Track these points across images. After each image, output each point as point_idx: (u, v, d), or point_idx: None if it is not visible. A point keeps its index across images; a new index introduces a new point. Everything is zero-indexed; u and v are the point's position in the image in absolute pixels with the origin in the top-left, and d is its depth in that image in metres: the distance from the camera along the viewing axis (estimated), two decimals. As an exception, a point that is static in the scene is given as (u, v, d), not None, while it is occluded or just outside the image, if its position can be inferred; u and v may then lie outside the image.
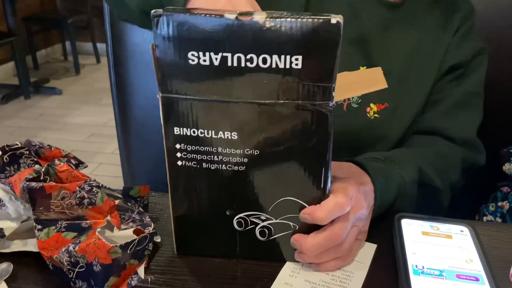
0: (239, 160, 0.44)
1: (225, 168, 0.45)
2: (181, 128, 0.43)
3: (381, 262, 0.50)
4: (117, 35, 0.90)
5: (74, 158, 0.54)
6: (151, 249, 0.48)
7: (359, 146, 0.69)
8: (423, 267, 0.46)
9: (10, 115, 2.99)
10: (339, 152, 0.66)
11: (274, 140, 0.43)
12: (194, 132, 0.43)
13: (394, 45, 0.70)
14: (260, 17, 0.38)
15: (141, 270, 0.46)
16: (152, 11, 0.39)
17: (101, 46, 3.95)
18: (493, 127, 0.91)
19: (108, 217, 0.49)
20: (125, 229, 0.49)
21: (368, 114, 0.69)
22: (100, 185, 0.49)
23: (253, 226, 0.47)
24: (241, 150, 0.43)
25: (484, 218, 0.86)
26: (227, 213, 0.47)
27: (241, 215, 0.47)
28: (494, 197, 0.86)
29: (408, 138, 0.71)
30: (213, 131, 0.43)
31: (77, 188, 0.47)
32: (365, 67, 0.69)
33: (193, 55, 0.40)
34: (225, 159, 0.44)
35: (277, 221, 0.47)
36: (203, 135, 0.43)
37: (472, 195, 0.90)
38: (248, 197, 0.46)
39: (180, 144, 0.44)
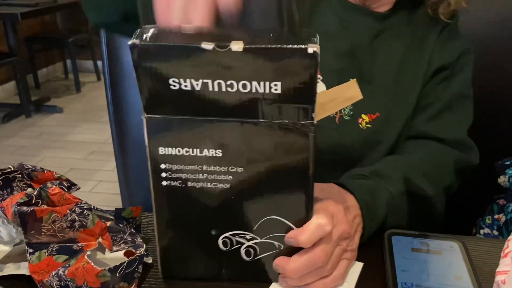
0: (224, 177, 0.45)
1: (210, 186, 0.45)
2: (166, 148, 0.44)
3: (370, 279, 0.50)
4: (113, 53, 0.92)
5: (67, 180, 0.55)
6: (141, 271, 0.48)
7: (354, 157, 0.70)
8: (412, 284, 0.47)
9: (11, 134, 3.01)
10: (334, 164, 0.67)
11: (257, 158, 0.44)
12: (179, 151, 0.44)
13: (383, 55, 0.71)
14: (237, 46, 0.39)
15: None
16: (129, 42, 0.39)
17: (101, 64, 3.98)
18: (488, 139, 0.92)
19: (100, 239, 0.49)
20: (117, 250, 0.50)
21: (360, 125, 0.70)
22: (92, 207, 0.50)
23: (238, 246, 0.48)
24: (226, 168, 0.44)
25: (481, 231, 0.86)
26: (213, 232, 0.47)
27: (226, 234, 0.47)
28: (491, 210, 0.86)
29: (401, 144, 0.72)
30: (197, 149, 0.44)
31: (68, 211, 0.48)
32: (355, 79, 0.70)
33: (174, 81, 0.41)
34: (210, 177, 0.45)
35: (262, 240, 0.47)
36: (188, 153, 0.44)
37: (469, 208, 0.90)
38: (233, 215, 0.46)
39: (165, 164, 0.45)
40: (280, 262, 0.47)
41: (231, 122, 0.42)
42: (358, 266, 0.52)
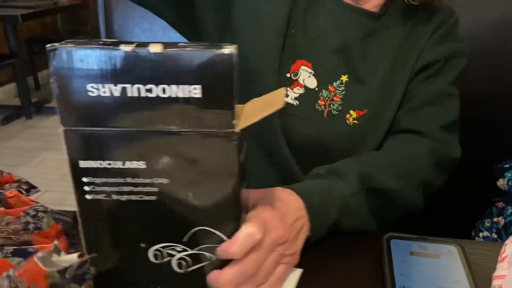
0: (149, 189, 0.44)
1: (135, 198, 0.45)
2: (87, 161, 0.43)
3: (369, 283, 0.50)
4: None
5: (26, 183, 0.55)
6: (93, 273, 0.47)
7: (340, 151, 0.70)
8: (410, 288, 0.47)
9: (12, 135, 3.01)
10: (320, 158, 0.68)
11: (182, 168, 0.43)
12: (100, 164, 0.43)
13: (375, 53, 0.72)
14: (155, 48, 0.39)
15: None
16: (48, 45, 0.39)
17: (101, 66, 3.98)
18: (487, 142, 0.92)
19: (56, 242, 0.49)
20: (73, 253, 0.50)
21: (347, 121, 0.71)
22: (48, 209, 0.49)
23: (169, 258, 0.47)
24: (150, 180, 0.44)
25: (480, 234, 0.86)
26: (142, 245, 0.47)
27: (156, 247, 0.47)
28: (490, 213, 0.87)
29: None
30: (120, 162, 0.43)
31: (22, 213, 0.48)
32: (346, 76, 0.71)
33: (92, 87, 0.40)
34: (135, 189, 0.44)
35: (194, 252, 0.47)
36: (110, 166, 0.43)
37: (468, 211, 0.90)
38: (162, 227, 0.46)
39: (87, 177, 0.44)
40: (214, 276, 0.46)
41: (152, 132, 0.42)
42: (297, 273, 0.51)
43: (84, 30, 3.79)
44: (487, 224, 0.85)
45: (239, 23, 0.72)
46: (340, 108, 0.71)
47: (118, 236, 0.47)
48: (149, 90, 0.40)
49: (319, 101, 0.71)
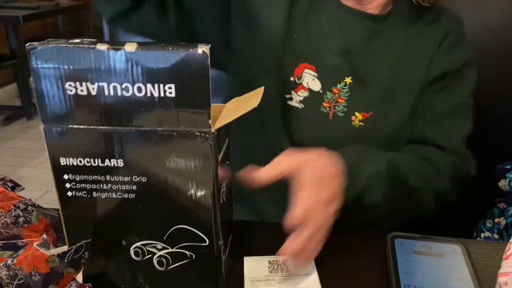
0: (128, 187, 0.45)
1: (115, 196, 0.45)
2: (67, 158, 0.44)
3: (373, 282, 0.51)
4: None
5: (11, 181, 0.55)
6: (87, 257, 0.48)
7: None
8: (415, 286, 0.47)
9: (12, 136, 3.01)
10: None
11: (160, 167, 0.44)
12: (80, 161, 0.44)
13: (379, 55, 0.72)
14: (131, 47, 0.40)
15: (79, 277, 0.47)
16: (27, 44, 0.41)
17: (102, 67, 3.98)
18: (488, 143, 0.92)
19: (44, 235, 0.49)
20: (62, 246, 0.50)
21: (353, 123, 0.71)
22: (36, 204, 0.50)
23: (150, 255, 0.48)
24: (129, 178, 0.44)
25: (482, 235, 0.86)
26: (123, 242, 0.48)
27: (137, 244, 0.48)
28: (491, 214, 0.87)
29: (392, 145, 0.72)
30: (99, 159, 0.44)
31: (12, 206, 0.48)
32: (350, 78, 0.71)
33: (70, 85, 0.41)
34: (114, 187, 0.45)
35: (174, 250, 0.48)
36: (90, 164, 0.44)
37: (470, 211, 0.90)
38: (141, 225, 0.47)
39: (68, 175, 0.45)
40: (286, 246, 0.49)
41: (130, 131, 0.43)
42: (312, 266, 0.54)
43: (85, 31, 3.79)
44: (489, 225, 0.86)
45: (238, 30, 0.72)
46: (345, 110, 0.71)
47: (100, 233, 0.47)
48: (125, 89, 0.41)
49: (323, 103, 0.71)
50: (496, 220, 0.85)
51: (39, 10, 3.10)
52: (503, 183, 0.85)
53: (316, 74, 0.71)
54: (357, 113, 0.71)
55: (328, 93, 0.72)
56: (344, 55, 0.72)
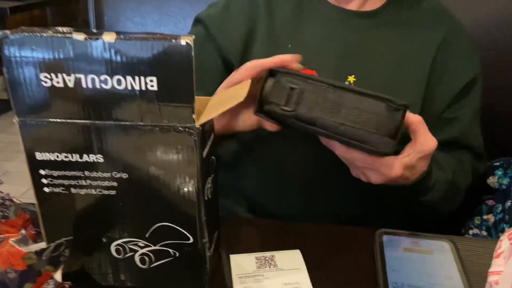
0: (108, 184, 0.43)
1: (94, 193, 0.44)
2: (44, 153, 0.42)
3: (361, 279, 0.50)
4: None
5: None
6: (67, 255, 0.47)
7: None
8: (402, 284, 0.46)
9: (0, 130, 2.97)
10: (335, 158, 0.68)
11: (142, 163, 0.43)
12: (57, 156, 0.42)
13: (378, 53, 0.72)
14: (109, 37, 0.38)
15: (57, 275, 0.46)
16: (0, 33, 0.39)
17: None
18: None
19: (23, 231, 0.48)
20: (42, 242, 0.49)
21: None
22: (14, 199, 0.49)
23: (132, 253, 0.47)
24: (109, 174, 0.43)
25: (470, 232, 0.86)
26: (104, 240, 0.46)
27: (119, 242, 0.46)
28: (479, 211, 0.87)
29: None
30: (77, 155, 0.42)
31: None
32: (353, 76, 0.71)
33: (45, 77, 0.39)
34: (93, 183, 0.43)
35: (157, 247, 0.46)
36: (67, 159, 0.42)
37: (458, 208, 0.90)
38: (123, 223, 0.45)
39: (44, 170, 0.43)
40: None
41: (110, 125, 0.41)
42: (297, 253, 0.54)
43: (74, 24, 3.74)
44: (477, 222, 0.86)
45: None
46: None
47: (79, 230, 0.46)
48: (104, 82, 0.39)
49: None
50: (485, 217, 0.85)
51: (27, 2, 3.05)
52: (492, 180, 0.85)
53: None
54: None
55: None
56: (343, 54, 0.72)
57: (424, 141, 0.53)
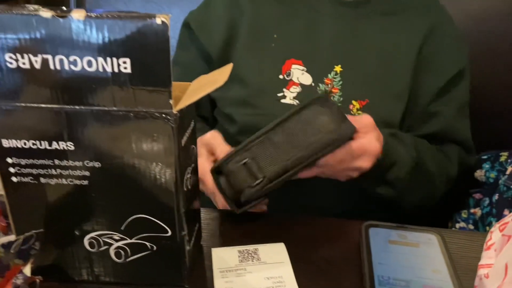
0: (80, 173, 0.41)
1: (65, 182, 0.42)
2: (10, 140, 0.40)
3: (347, 273, 0.49)
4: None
5: None
6: (38, 248, 0.45)
7: None
8: (389, 277, 0.45)
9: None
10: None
11: (115, 151, 0.40)
12: (25, 143, 0.40)
13: (367, 42, 0.72)
14: (78, 15, 0.35)
15: (27, 270, 0.43)
16: None
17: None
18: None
19: None
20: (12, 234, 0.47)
21: (351, 112, 0.70)
22: None
23: (107, 247, 0.45)
24: (81, 163, 0.41)
25: (457, 225, 0.86)
26: (76, 232, 0.44)
27: (92, 234, 0.44)
28: (466, 204, 0.86)
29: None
30: (46, 142, 0.40)
31: None
32: (339, 66, 0.71)
33: (11, 57, 0.37)
34: (64, 172, 0.41)
35: (133, 241, 0.44)
36: (36, 146, 0.40)
37: (445, 201, 0.90)
38: (96, 215, 0.43)
39: (11, 158, 0.41)
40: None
41: (80, 110, 0.38)
42: (281, 246, 0.53)
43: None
44: (464, 215, 0.85)
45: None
46: (342, 99, 0.70)
47: (50, 222, 0.44)
48: (73, 63, 0.37)
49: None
50: (472, 210, 0.84)
51: (10, -9, 2.98)
52: (479, 174, 0.85)
53: (305, 68, 0.71)
54: (354, 102, 0.70)
55: (320, 85, 0.71)
56: (329, 44, 0.72)
57: (360, 118, 0.57)
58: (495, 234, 0.37)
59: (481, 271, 0.36)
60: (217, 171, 0.55)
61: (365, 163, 0.57)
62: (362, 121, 0.57)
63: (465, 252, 0.52)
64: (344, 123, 0.52)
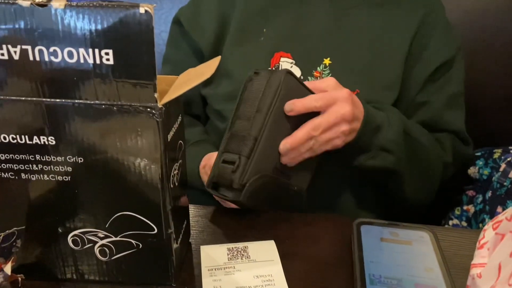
0: (62, 169, 0.40)
1: (47, 178, 0.40)
2: None
3: (338, 271, 0.48)
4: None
5: None
6: (19, 246, 0.43)
7: None
8: (380, 276, 0.44)
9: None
10: None
11: (99, 146, 0.39)
12: (5, 138, 0.39)
13: (357, 34, 0.71)
14: (59, 3, 0.34)
15: (7, 268, 0.43)
16: None
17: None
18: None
19: None
20: None
21: None
22: None
23: (91, 244, 0.44)
24: (62, 158, 0.39)
25: (450, 222, 0.85)
26: (59, 230, 0.43)
27: (76, 232, 0.43)
28: (460, 201, 0.86)
29: None
30: (26, 136, 0.39)
31: None
32: (328, 58, 0.70)
33: None
34: (45, 168, 0.40)
35: (118, 239, 0.43)
36: (15, 141, 0.39)
37: (438, 198, 0.89)
38: (80, 212, 0.42)
39: None
40: (286, 140, 0.54)
41: (61, 103, 0.37)
42: (271, 244, 0.52)
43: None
44: (457, 212, 0.85)
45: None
46: None
47: (32, 219, 0.42)
48: (54, 54, 0.35)
49: None
50: (465, 207, 0.84)
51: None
52: (472, 170, 0.84)
53: (294, 61, 0.71)
54: None
55: (309, 78, 0.71)
56: (318, 36, 0.71)
57: (323, 79, 0.59)
58: (488, 233, 0.36)
59: (474, 271, 0.35)
60: (214, 186, 0.56)
61: (343, 109, 0.56)
62: (325, 80, 0.58)
63: (457, 249, 0.51)
64: (275, 71, 0.55)
